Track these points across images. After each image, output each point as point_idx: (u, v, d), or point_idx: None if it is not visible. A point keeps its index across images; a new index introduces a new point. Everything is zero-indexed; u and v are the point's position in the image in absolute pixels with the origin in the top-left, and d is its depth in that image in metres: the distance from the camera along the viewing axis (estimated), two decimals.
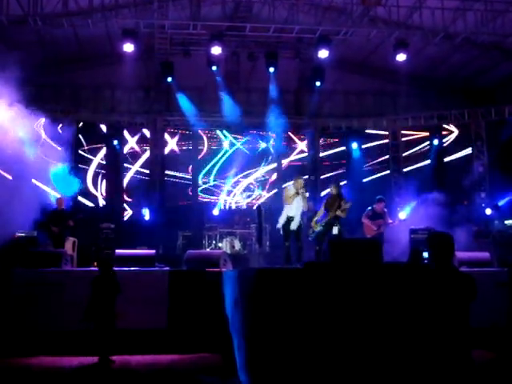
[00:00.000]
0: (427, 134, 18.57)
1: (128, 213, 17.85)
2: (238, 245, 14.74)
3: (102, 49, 16.44)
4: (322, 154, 18.88)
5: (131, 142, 18.11)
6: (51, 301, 8.73)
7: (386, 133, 18.56)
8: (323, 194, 16.47)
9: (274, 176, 18.77)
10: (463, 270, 4.34)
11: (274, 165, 18.85)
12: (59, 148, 16.05)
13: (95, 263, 12.87)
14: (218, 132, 18.68)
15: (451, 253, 3.97)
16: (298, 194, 10.20)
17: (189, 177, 18.49)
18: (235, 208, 18.21)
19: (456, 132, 18.41)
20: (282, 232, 10.44)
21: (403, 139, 18.62)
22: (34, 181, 15.42)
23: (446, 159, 18.37)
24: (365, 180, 18.38)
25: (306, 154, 18.91)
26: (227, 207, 18.26)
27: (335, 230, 10.40)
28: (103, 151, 17.81)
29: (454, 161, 18.38)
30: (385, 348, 5.10)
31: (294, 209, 10.28)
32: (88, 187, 17.54)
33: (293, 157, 19.02)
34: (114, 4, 13.84)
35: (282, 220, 10.37)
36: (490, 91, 17.73)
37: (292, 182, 10.68)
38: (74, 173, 15.56)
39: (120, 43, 14.13)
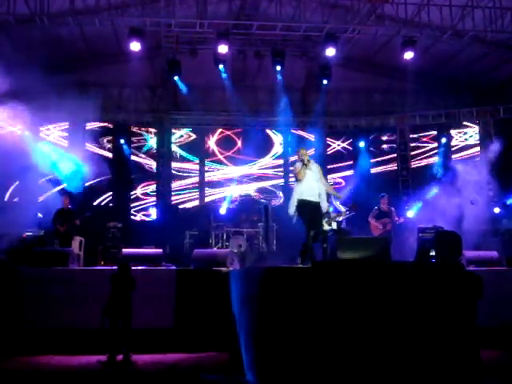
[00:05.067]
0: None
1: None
2: (244, 244, 14.71)
3: (108, 47, 16.45)
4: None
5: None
6: (58, 300, 8.75)
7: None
8: None
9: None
10: (471, 269, 4.31)
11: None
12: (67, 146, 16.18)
13: (102, 262, 12.95)
14: None
15: (458, 251, 3.95)
16: (306, 165, 8.71)
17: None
18: (241, 204, 18.12)
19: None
20: (294, 220, 8.93)
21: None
22: (40, 180, 15.51)
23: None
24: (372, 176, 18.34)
25: None
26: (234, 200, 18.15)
27: (334, 225, 10.05)
28: None
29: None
30: (393, 347, 5.07)
31: (307, 187, 8.73)
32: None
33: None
34: (120, 2, 13.86)
35: (292, 207, 8.83)
36: (498, 89, 17.62)
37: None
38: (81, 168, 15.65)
39: (127, 42, 14.12)
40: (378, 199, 12.77)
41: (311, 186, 8.70)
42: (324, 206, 8.88)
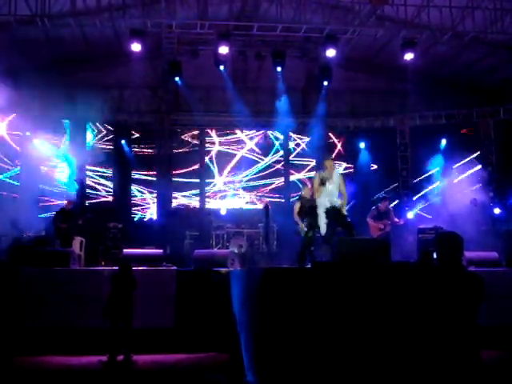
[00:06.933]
0: None
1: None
2: (245, 244, 14.73)
3: (109, 48, 16.45)
4: None
5: None
6: (59, 300, 8.77)
7: None
8: None
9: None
10: (471, 270, 4.33)
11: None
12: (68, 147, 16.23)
13: (103, 262, 12.99)
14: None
15: (460, 252, 3.95)
16: (323, 184, 8.80)
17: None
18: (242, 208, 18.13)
19: None
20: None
21: None
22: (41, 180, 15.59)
23: None
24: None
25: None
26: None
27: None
28: None
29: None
30: (393, 347, 5.08)
31: (325, 201, 8.86)
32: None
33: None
34: (121, 4, 13.86)
35: (322, 220, 8.87)
36: (498, 90, 17.65)
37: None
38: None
39: (128, 43, 14.13)
40: (380, 200, 12.78)
41: (326, 199, 8.85)
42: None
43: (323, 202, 8.88)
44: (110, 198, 17.39)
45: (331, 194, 8.88)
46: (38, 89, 13.22)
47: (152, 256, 10.15)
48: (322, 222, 8.85)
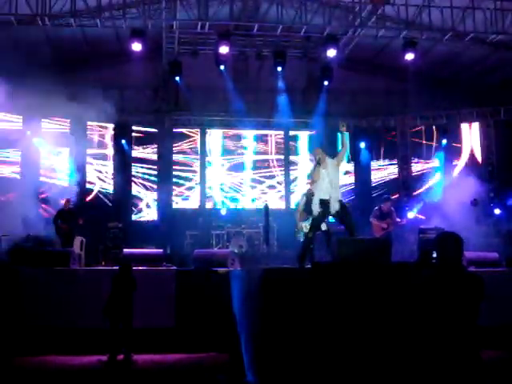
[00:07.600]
0: None
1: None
2: (245, 244, 14.73)
3: (110, 48, 16.47)
4: None
5: None
6: (59, 300, 8.77)
7: None
8: None
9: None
10: (471, 270, 4.34)
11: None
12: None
13: (103, 262, 13.00)
14: None
15: (460, 253, 3.94)
16: (319, 164, 8.38)
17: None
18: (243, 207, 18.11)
19: None
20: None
21: None
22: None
23: None
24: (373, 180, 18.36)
25: None
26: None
27: (324, 227, 9.15)
28: None
29: None
30: (393, 348, 5.08)
31: (325, 187, 8.39)
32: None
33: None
34: (121, 3, 13.87)
35: (315, 207, 8.42)
36: (498, 90, 17.64)
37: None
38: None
39: (128, 43, 14.14)
40: (382, 200, 12.78)
41: (327, 185, 8.38)
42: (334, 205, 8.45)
43: (323, 186, 8.39)
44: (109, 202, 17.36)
45: (331, 176, 8.42)
46: (38, 89, 13.20)
47: (152, 256, 10.15)
48: (316, 205, 8.42)
